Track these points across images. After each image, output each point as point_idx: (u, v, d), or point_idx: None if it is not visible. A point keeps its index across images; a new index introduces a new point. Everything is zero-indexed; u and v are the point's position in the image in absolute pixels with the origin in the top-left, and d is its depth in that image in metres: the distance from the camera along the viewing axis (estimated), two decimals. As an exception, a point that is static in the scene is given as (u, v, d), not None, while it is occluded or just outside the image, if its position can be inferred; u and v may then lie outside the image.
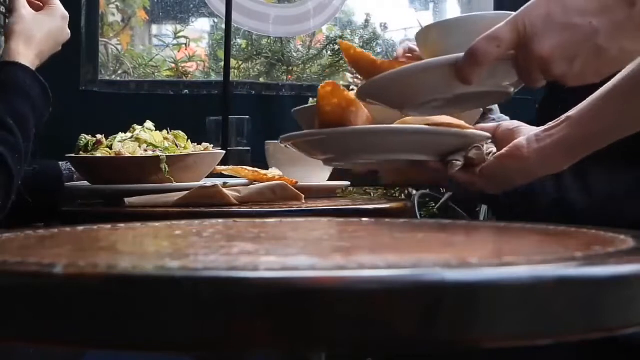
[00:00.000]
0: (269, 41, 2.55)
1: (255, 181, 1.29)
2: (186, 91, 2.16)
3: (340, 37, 2.56)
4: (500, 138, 0.94)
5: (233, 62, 2.41)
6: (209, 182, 1.22)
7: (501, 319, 0.37)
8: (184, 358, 0.94)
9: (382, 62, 0.85)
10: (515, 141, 0.89)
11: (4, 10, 1.21)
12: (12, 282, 0.38)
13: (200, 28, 3.10)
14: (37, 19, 1.14)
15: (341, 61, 2.48)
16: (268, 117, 2.08)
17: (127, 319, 0.36)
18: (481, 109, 1.05)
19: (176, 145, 1.26)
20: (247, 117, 1.73)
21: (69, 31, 1.19)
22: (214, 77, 2.68)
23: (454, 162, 0.90)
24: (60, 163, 1.35)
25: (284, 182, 1.23)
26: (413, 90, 0.83)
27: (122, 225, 0.72)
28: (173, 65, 2.66)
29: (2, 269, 0.41)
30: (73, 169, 1.35)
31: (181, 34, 2.75)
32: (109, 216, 1.17)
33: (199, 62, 2.79)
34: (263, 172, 1.32)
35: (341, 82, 1.18)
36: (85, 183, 1.30)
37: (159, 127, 1.30)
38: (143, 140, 1.25)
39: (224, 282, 0.36)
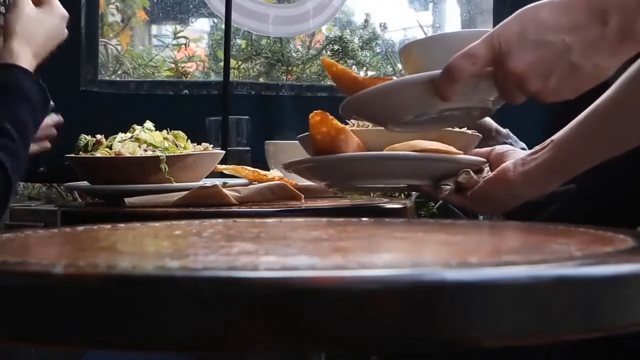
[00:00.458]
0: (268, 41, 2.54)
1: (255, 181, 1.29)
2: (186, 91, 2.16)
3: (340, 37, 2.56)
4: (492, 162, 0.97)
5: (233, 62, 2.41)
6: (208, 182, 1.22)
7: (501, 319, 0.37)
8: (184, 358, 0.94)
9: (364, 79, 0.89)
10: (503, 165, 0.91)
11: (3, 11, 1.20)
12: (12, 282, 0.38)
13: (200, 28, 3.11)
14: (38, 18, 1.12)
15: (341, 61, 2.48)
16: (268, 117, 2.08)
17: (127, 319, 0.36)
18: (480, 135, 1.06)
19: (176, 145, 1.26)
20: (247, 117, 1.72)
21: (66, 31, 1.18)
22: (213, 77, 2.68)
23: (443, 186, 0.94)
24: None
25: (283, 182, 1.23)
26: (395, 105, 0.85)
27: (122, 225, 0.72)
28: (173, 65, 2.66)
29: (2, 269, 0.41)
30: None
31: (181, 34, 2.75)
32: (109, 216, 1.17)
33: (198, 62, 2.79)
34: (263, 172, 1.32)
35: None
36: (85, 183, 1.30)
37: (158, 127, 1.30)
38: (143, 140, 1.25)
39: (224, 282, 0.36)
